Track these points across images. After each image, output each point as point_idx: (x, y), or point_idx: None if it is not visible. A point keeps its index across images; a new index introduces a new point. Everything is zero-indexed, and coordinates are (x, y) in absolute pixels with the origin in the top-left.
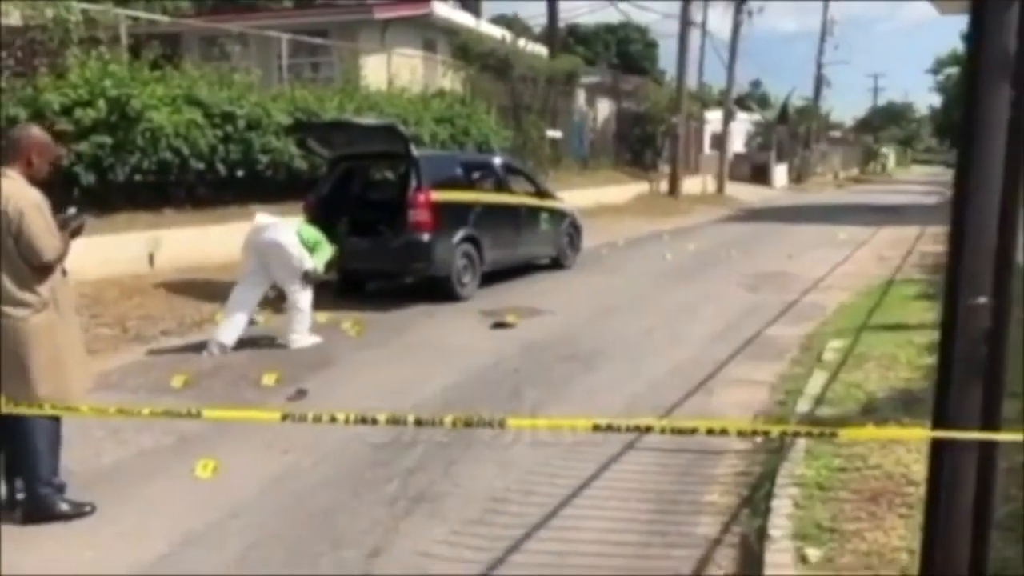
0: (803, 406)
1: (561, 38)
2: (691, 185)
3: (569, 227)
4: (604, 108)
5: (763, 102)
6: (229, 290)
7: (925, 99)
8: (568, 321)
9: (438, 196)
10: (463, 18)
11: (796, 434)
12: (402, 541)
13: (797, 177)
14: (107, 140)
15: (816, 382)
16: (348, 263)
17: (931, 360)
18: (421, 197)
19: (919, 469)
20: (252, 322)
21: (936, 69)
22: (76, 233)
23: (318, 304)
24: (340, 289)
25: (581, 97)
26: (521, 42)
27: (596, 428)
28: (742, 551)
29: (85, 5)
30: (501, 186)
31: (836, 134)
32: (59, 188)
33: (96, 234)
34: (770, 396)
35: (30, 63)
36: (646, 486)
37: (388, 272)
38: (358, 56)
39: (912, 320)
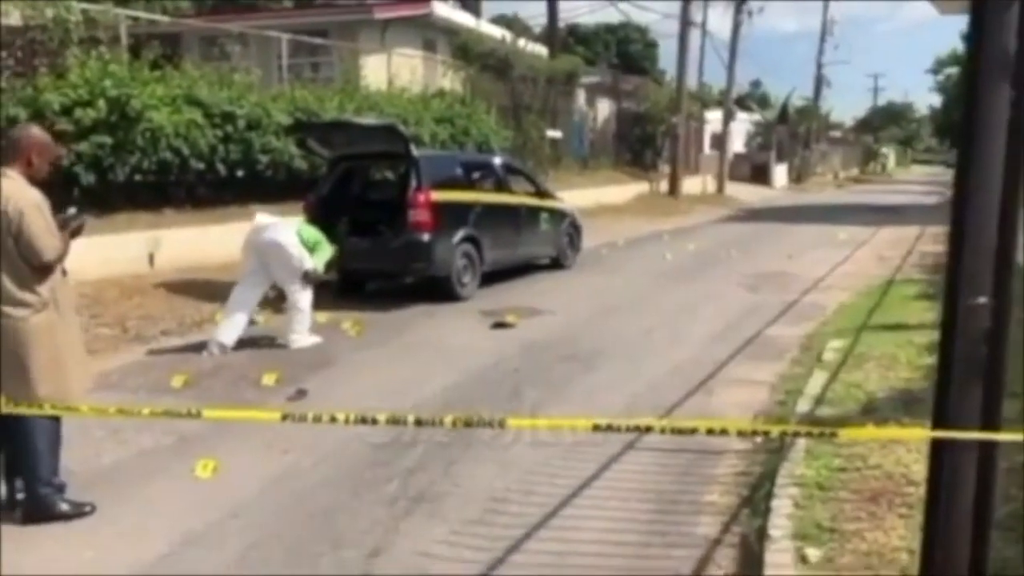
0: (803, 406)
1: (561, 38)
2: (691, 185)
3: (569, 227)
4: (604, 108)
5: (763, 102)
6: (229, 290)
7: (925, 99)
8: (568, 321)
9: (438, 196)
10: (463, 18)
11: (796, 434)
12: (402, 541)
13: (797, 177)
14: (107, 140)
15: (816, 382)
16: (348, 263)
17: (931, 360)
18: (421, 197)
19: (919, 469)
20: (252, 322)
21: (936, 69)
22: (76, 233)
23: (318, 304)
24: (340, 289)
25: (581, 97)
26: (521, 42)
27: (596, 428)
28: (742, 551)
29: (85, 5)
30: (501, 186)
31: (836, 134)
32: (59, 188)
33: (96, 234)
34: (770, 396)
35: (30, 63)
36: (646, 486)
37: (388, 272)
38: (358, 56)
39: (912, 320)
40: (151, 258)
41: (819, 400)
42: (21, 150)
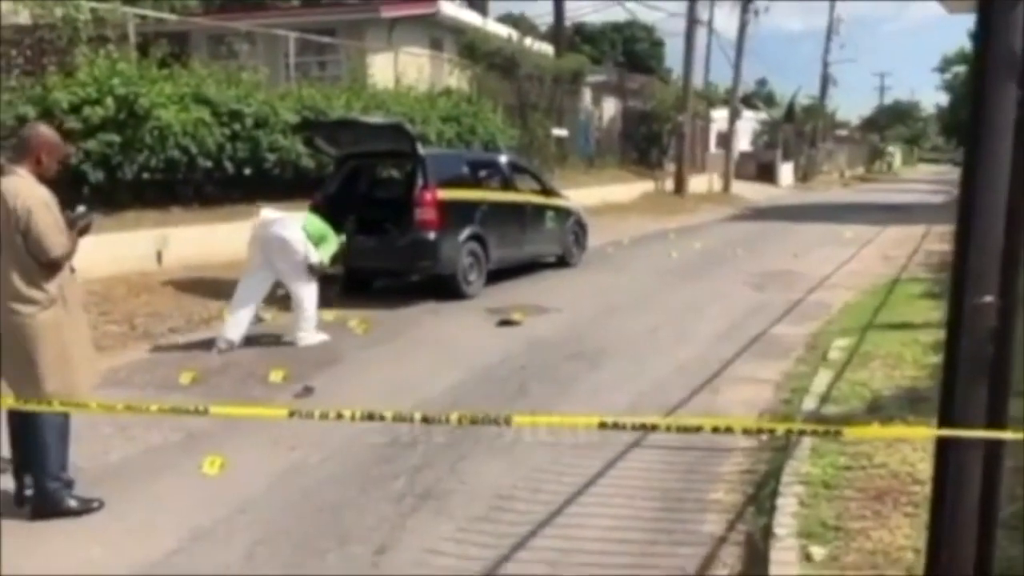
0: (808, 404)
1: (567, 37)
2: (697, 184)
3: (575, 225)
4: (610, 107)
5: (769, 101)
6: (236, 287)
7: (932, 98)
8: (574, 319)
9: (444, 194)
10: (470, 17)
11: (802, 432)
12: (408, 538)
13: (803, 176)
14: (115, 138)
15: (821, 380)
16: (355, 261)
17: (937, 359)
18: (427, 195)
19: (924, 468)
20: (260, 319)
21: (943, 68)
22: (84, 231)
23: (325, 302)
24: (347, 287)
25: (587, 96)
26: (527, 41)
27: (602, 426)
28: (747, 549)
29: (94, 4)
30: (507, 184)
31: (842, 133)
32: (67, 186)
33: (104, 232)
34: (775, 395)
35: (39, 61)
36: (651, 484)
37: (394, 270)
38: (365, 55)
39: (918, 319)
40: (159, 256)
41: (824, 398)
42: (30, 149)
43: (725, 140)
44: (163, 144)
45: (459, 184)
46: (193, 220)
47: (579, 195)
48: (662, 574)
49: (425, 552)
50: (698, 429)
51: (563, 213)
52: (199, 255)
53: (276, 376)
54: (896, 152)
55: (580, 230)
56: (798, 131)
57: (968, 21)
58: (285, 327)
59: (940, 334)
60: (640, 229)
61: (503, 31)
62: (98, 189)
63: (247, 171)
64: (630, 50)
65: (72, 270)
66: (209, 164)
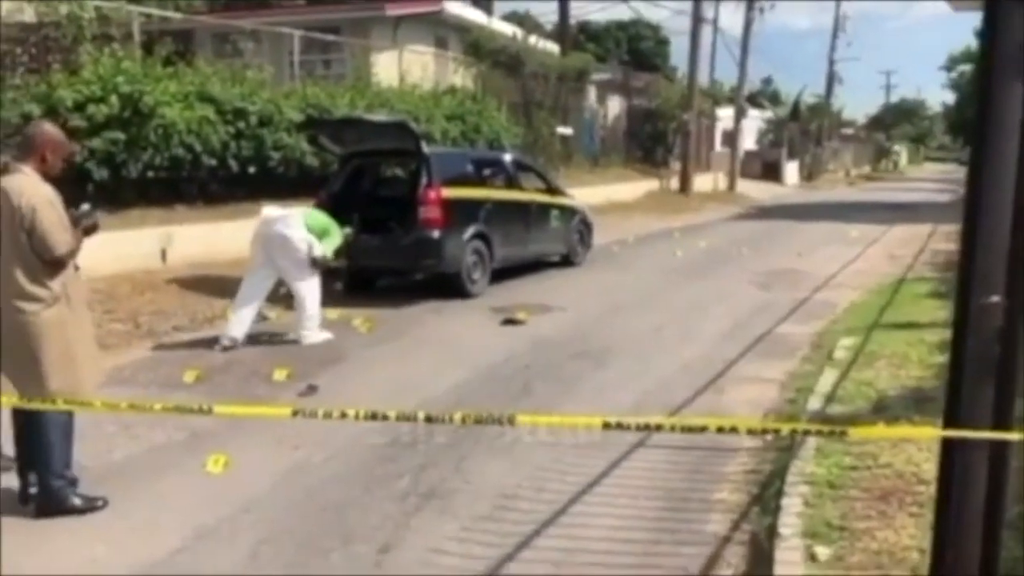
0: (814, 404)
1: (572, 35)
2: (702, 182)
3: (579, 224)
4: (615, 105)
5: (775, 99)
6: (240, 286)
7: (938, 96)
8: (578, 318)
9: (449, 193)
10: (475, 15)
11: (807, 432)
12: (412, 537)
13: (809, 174)
14: (120, 136)
15: (827, 380)
16: (359, 260)
17: (943, 359)
18: (432, 194)
19: (930, 468)
20: (264, 318)
21: (949, 66)
22: (90, 231)
23: (329, 301)
24: (350, 286)
25: (592, 94)
26: (532, 39)
27: (606, 426)
28: (752, 549)
29: (98, 2)
30: (512, 183)
31: (848, 131)
32: (72, 184)
33: (109, 230)
34: (780, 394)
35: (44, 60)
36: (656, 483)
37: (399, 269)
38: (370, 53)
39: (924, 318)
40: (163, 254)
41: (830, 398)
42: (35, 147)
43: (730, 139)
44: (167, 142)
45: (463, 182)
46: (197, 218)
47: (584, 194)
48: (666, 574)
49: (429, 551)
50: (703, 429)
51: (568, 212)
52: (203, 253)
53: (280, 375)
54: (902, 151)
55: (585, 229)
56: (803, 130)
57: (974, 19)
58: (289, 325)
59: (946, 334)
60: (645, 228)
61: (508, 29)
62: (103, 187)
63: (251, 169)
64: (635, 48)
65: (76, 268)
66: (213, 162)
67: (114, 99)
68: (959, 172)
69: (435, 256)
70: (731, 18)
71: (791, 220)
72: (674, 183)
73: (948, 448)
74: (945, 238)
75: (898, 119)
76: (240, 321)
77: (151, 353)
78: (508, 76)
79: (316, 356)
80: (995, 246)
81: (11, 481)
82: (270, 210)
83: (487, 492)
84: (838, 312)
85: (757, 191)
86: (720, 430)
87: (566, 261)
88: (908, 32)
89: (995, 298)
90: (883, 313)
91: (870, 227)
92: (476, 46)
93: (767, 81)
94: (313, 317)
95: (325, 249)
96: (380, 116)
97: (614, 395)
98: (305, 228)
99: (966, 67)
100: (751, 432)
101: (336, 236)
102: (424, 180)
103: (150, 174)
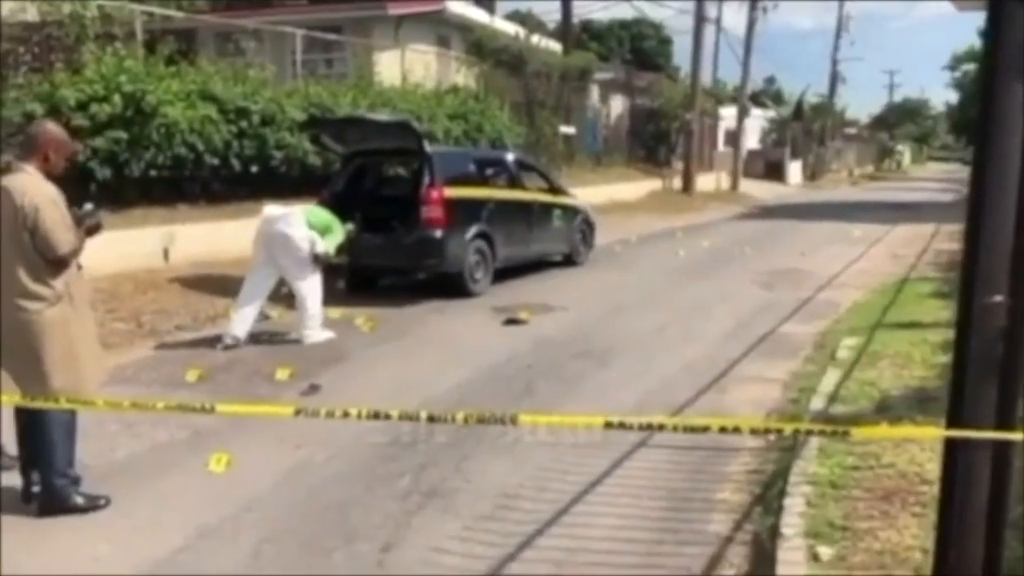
0: (816, 404)
1: (575, 34)
2: (705, 182)
3: (582, 223)
4: (618, 104)
5: (778, 99)
6: (242, 285)
7: (941, 95)
8: (581, 318)
9: (451, 192)
10: (477, 14)
11: (809, 432)
12: (414, 536)
13: (812, 174)
14: (122, 135)
15: (829, 380)
16: (361, 259)
17: (946, 359)
18: (434, 193)
19: (933, 468)
20: (266, 317)
21: (953, 65)
22: (93, 231)
23: (331, 300)
24: (353, 285)
25: (595, 93)
26: (535, 38)
27: (608, 425)
28: (754, 549)
29: (101, 1)
30: (514, 182)
31: (851, 131)
32: (75, 183)
33: (111, 229)
34: (783, 394)
35: (47, 59)
36: (658, 483)
37: (401, 268)
38: (372, 52)
39: (927, 318)
40: (166, 253)
41: (832, 398)
42: (38, 146)
43: (733, 138)
44: (170, 141)
45: (466, 182)
46: (200, 217)
47: (586, 193)
48: (668, 574)
49: (431, 551)
50: (705, 429)
51: (570, 211)
52: (206, 252)
53: (282, 374)
54: (905, 150)
55: (587, 228)
56: (807, 129)
57: (978, 18)
58: (291, 325)
59: (949, 334)
60: (647, 227)
61: (510, 28)
62: (105, 186)
63: (254, 168)
64: (638, 47)
65: (79, 267)
66: (216, 161)
67: (117, 98)
68: (962, 172)
69: (437, 255)
70: (734, 17)
71: (794, 220)
72: (677, 183)
73: (951, 448)
74: (948, 238)
75: (901, 119)
76: (242, 320)
77: (153, 352)
78: (510, 75)
79: (318, 355)
80: (998, 246)
81: (14, 480)
82: (272, 209)
83: (489, 491)
84: (841, 312)
85: (760, 191)
86: (723, 430)
87: (568, 261)
88: (911, 32)
89: (998, 298)
90: (886, 313)
91: (873, 227)
92: (478, 45)
93: (770, 80)
94: (315, 316)
95: (327, 246)
96: (382, 115)
97: (616, 395)
98: (307, 226)
99: (970, 66)
100: (754, 432)
101: (338, 233)
102: (426, 179)
103: (153, 173)
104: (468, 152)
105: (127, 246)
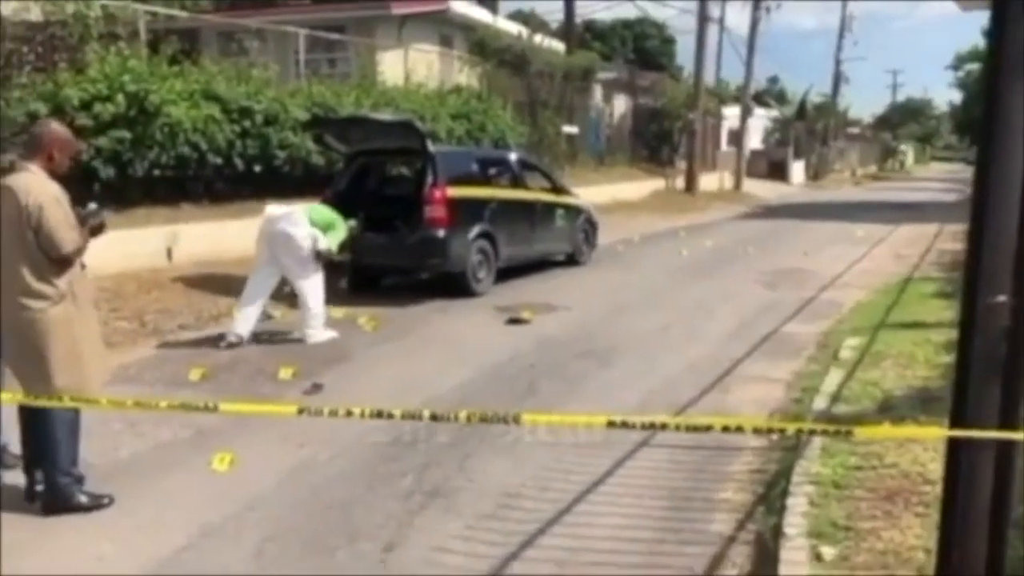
0: (819, 404)
1: (578, 34)
2: (708, 181)
3: (585, 223)
4: (621, 104)
5: (781, 98)
6: (245, 285)
7: (945, 95)
8: (583, 317)
9: (454, 192)
10: (480, 14)
11: (812, 432)
12: (417, 535)
13: (815, 174)
14: (126, 135)
15: (832, 380)
16: (364, 258)
17: (949, 359)
18: (437, 193)
19: (936, 468)
20: (269, 316)
21: (956, 65)
22: (96, 231)
23: (334, 299)
24: (356, 284)
25: (598, 93)
26: (538, 38)
27: (611, 424)
28: (757, 549)
29: (105, 1)
30: (517, 182)
31: (854, 131)
32: (78, 182)
33: (115, 228)
34: (786, 394)
35: (50, 58)
36: (660, 483)
37: (404, 268)
38: (375, 52)
39: (930, 318)
40: (169, 252)
41: (835, 398)
42: (43, 145)
43: (736, 138)
44: (173, 141)
45: (469, 182)
46: (203, 217)
47: (589, 193)
48: (671, 574)
49: (433, 550)
50: (708, 428)
51: (573, 211)
52: (209, 252)
53: (285, 373)
54: (908, 150)
55: (590, 228)
56: (810, 129)
57: (981, 18)
58: (294, 324)
59: (952, 334)
60: (650, 227)
61: (513, 28)
62: (109, 186)
63: (257, 168)
64: (641, 47)
65: (83, 266)
66: (219, 161)
67: (120, 98)
68: (966, 172)
69: (440, 255)
70: (737, 17)
71: (797, 219)
72: (680, 182)
73: (954, 448)
74: (951, 238)
75: (904, 118)
76: (245, 319)
77: (156, 351)
78: (513, 75)
79: (321, 355)
80: (1002, 246)
81: (17, 479)
82: (274, 208)
83: (491, 491)
84: (844, 312)
85: (763, 190)
86: (726, 429)
87: (571, 260)
88: (914, 32)
89: (1002, 298)
90: (889, 313)
91: (876, 227)
92: (481, 45)
93: (773, 80)
94: (317, 316)
95: (330, 243)
96: (385, 115)
97: (619, 394)
98: (309, 224)
99: (973, 66)
100: (757, 431)
101: (341, 229)
102: (429, 179)
103: (156, 173)
104: (471, 152)
105: (131, 245)
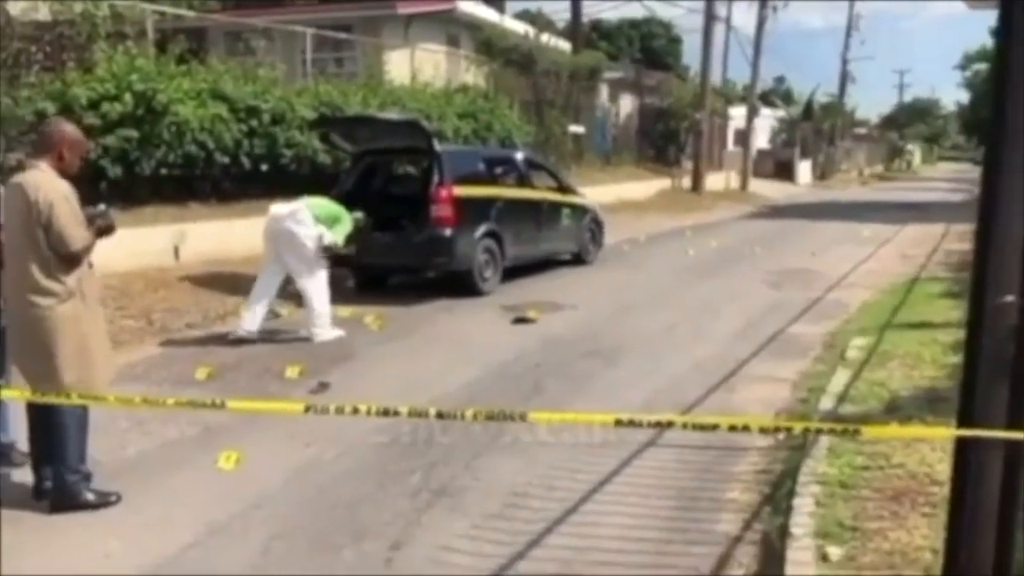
0: (826, 404)
1: (584, 33)
2: (714, 181)
3: (591, 222)
4: (627, 104)
5: (787, 98)
6: (253, 283)
7: (952, 95)
8: (590, 317)
9: (460, 191)
10: (487, 13)
11: (819, 431)
12: (423, 534)
13: (821, 174)
14: (133, 134)
15: (839, 380)
16: (370, 257)
17: (956, 359)
18: (443, 192)
19: (943, 468)
20: (276, 315)
21: (964, 65)
22: (104, 231)
23: (340, 298)
24: (362, 283)
25: (604, 92)
26: (544, 37)
27: (618, 423)
28: (763, 549)
29: (112, 0)
30: (523, 181)
31: (861, 131)
32: (86, 181)
33: (122, 227)
34: (792, 394)
35: (58, 58)
36: (666, 482)
37: (410, 267)
38: (382, 51)
39: (937, 318)
40: (176, 251)
41: (842, 398)
42: (53, 144)
43: (743, 137)
44: (181, 140)
45: (475, 181)
46: (210, 215)
47: (595, 192)
48: (677, 574)
49: (440, 549)
50: (714, 427)
51: (579, 210)
52: (216, 250)
53: (292, 372)
54: (915, 150)
55: (596, 227)
56: (816, 129)
57: (989, 17)
58: (301, 322)
59: (960, 334)
60: (657, 227)
61: (520, 28)
62: (116, 184)
63: (264, 167)
64: (647, 47)
65: (90, 265)
66: (226, 160)
67: (128, 97)
68: (973, 172)
69: (447, 254)
70: (744, 17)
71: (804, 219)
72: (686, 182)
73: (962, 447)
74: (959, 238)
75: (912, 118)
76: (253, 317)
77: (163, 350)
78: (520, 74)
79: (327, 353)
80: (1010, 246)
81: (25, 476)
82: (278, 206)
83: (498, 490)
84: (851, 312)
85: (769, 190)
86: (732, 428)
87: (577, 260)
88: (922, 31)
89: (1010, 298)
90: (896, 313)
91: (883, 227)
92: (488, 44)
93: (780, 80)
94: (323, 315)
95: (336, 236)
96: (392, 114)
97: (625, 393)
98: (314, 220)
99: (981, 66)
100: (763, 430)
101: (346, 222)
102: (436, 178)
103: (163, 171)
104: (477, 151)
105: (138, 244)
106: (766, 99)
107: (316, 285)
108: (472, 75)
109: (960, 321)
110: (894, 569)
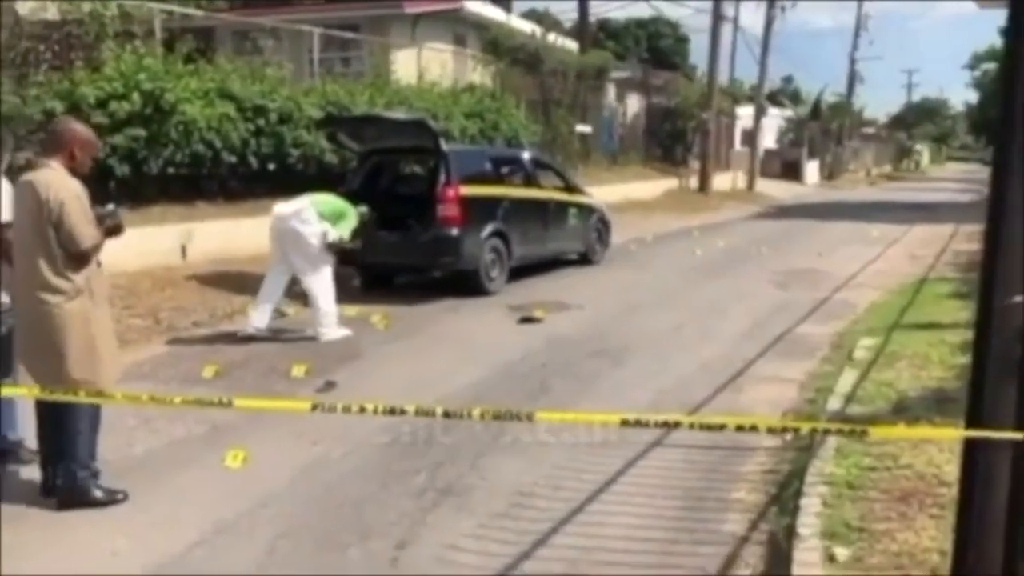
0: (833, 404)
1: (591, 33)
2: (721, 181)
3: (598, 222)
4: (634, 103)
5: (795, 98)
6: (260, 282)
7: (961, 95)
8: (596, 316)
9: (467, 191)
10: (493, 12)
11: (826, 432)
12: (429, 533)
13: (829, 174)
14: (141, 133)
15: (847, 380)
16: (377, 257)
17: (964, 359)
18: (450, 192)
19: (951, 470)
20: (282, 314)
21: (972, 64)
22: (112, 231)
23: (347, 297)
24: (368, 283)
25: (611, 92)
26: (551, 37)
27: (624, 423)
28: (770, 549)
29: (121, 0)
30: (530, 181)
31: (869, 130)
32: (94, 180)
33: (130, 226)
34: (800, 394)
35: (67, 57)
36: (673, 482)
37: (416, 266)
38: (389, 50)
39: (945, 319)
40: (183, 250)
41: (850, 399)
42: (64, 143)
43: (750, 137)
44: (188, 139)
45: (482, 180)
46: (218, 215)
47: (602, 192)
48: (683, 574)
49: (446, 548)
50: (721, 427)
51: (586, 210)
52: (223, 249)
53: (298, 371)
54: (924, 150)
55: (603, 227)
56: (824, 129)
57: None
58: (307, 321)
59: (968, 334)
60: (664, 226)
61: (527, 27)
62: (124, 183)
63: (271, 166)
64: (655, 46)
65: (99, 264)
66: (233, 159)
67: (136, 96)
68: (982, 172)
69: (453, 254)
70: (751, 16)
71: (811, 219)
72: (693, 182)
73: (970, 448)
74: (967, 238)
75: (920, 118)
76: (260, 316)
77: (170, 348)
78: (527, 74)
79: (334, 352)
80: (1018, 246)
81: (33, 473)
82: (283, 205)
83: (504, 489)
84: (858, 312)
85: (777, 190)
86: (739, 428)
87: (584, 259)
88: (930, 31)
89: (1018, 299)
90: (904, 313)
91: (891, 227)
92: (495, 44)
93: (788, 80)
94: (329, 314)
95: (341, 232)
96: (399, 114)
97: (632, 393)
98: (318, 217)
99: (990, 66)
100: (770, 430)
101: (351, 217)
102: (442, 178)
103: (171, 171)
104: (484, 150)
105: (145, 243)
106: (774, 99)
107: (322, 284)
108: (479, 74)
109: (968, 322)
110: (901, 570)
